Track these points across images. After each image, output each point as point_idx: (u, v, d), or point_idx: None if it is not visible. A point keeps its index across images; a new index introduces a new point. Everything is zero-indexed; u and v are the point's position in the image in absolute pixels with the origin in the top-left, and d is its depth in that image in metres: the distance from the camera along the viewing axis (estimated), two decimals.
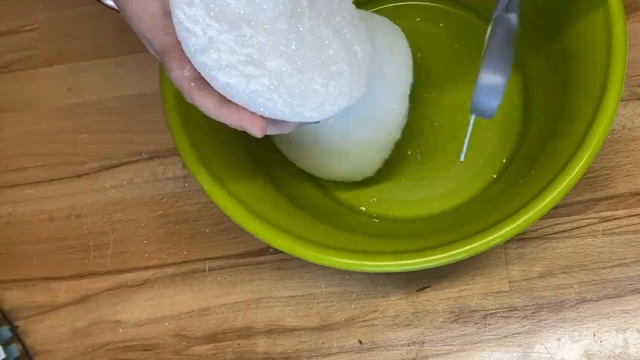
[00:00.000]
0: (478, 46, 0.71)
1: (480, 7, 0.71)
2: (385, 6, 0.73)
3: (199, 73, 0.51)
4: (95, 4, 0.77)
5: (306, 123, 0.53)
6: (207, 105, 0.51)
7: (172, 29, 0.51)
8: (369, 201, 0.68)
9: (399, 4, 0.73)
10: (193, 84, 0.51)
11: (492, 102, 0.49)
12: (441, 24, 0.72)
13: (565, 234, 0.66)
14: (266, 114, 0.51)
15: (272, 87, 0.50)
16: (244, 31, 0.50)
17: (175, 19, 0.50)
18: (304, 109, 0.52)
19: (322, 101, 0.52)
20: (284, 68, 0.51)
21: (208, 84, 0.51)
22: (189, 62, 0.51)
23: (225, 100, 0.51)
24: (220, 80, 0.50)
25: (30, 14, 0.81)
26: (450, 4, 0.72)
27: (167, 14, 0.51)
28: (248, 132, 0.51)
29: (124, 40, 0.78)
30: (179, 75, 0.51)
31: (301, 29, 0.52)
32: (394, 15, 0.73)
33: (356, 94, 0.55)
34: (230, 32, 0.50)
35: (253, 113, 0.51)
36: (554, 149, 0.59)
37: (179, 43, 0.51)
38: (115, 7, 0.55)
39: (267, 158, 0.66)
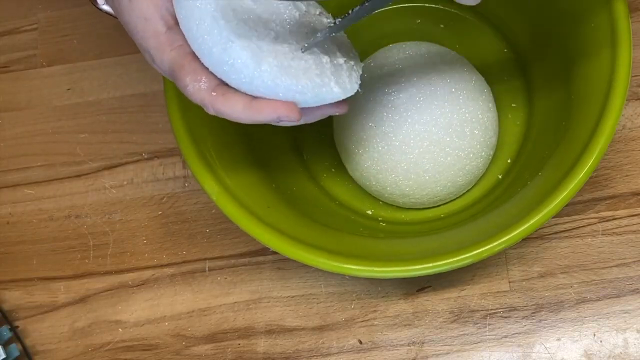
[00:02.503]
0: (480, 47, 0.72)
1: (481, 8, 0.70)
2: (386, 8, 0.73)
3: (216, 80, 0.48)
4: None
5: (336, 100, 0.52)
6: (236, 109, 0.48)
7: (179, 42, 0.49)
8: (375, 205, 0.68)
9: (400, 5, 0.73)
10: (214, 94, 0.48)
11: None
12: (442, 25, 0.72)
13: (565, 234, 0.66)
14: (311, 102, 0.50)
15: (319, 73, 0.50)
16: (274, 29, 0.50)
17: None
18: (347, 84, 0.51)
19: (350, 72, 0.52)
20: (320, 53, 0.51)
21: (229, 87, 0.48)
22: (203, 72, 0.48)
23: (252, 98, 0.48)
24: (281, 85, 0.48)
25: (30, 14, 0.81)
26: (450, 5, 0.72)
27: (171, 28, 0.49)
28: (286, 120, 0.49)
29: (124, 40, 0.77)
30: (196, 89, 0.48)
31: (305, 10, 0.53)
32: (394, 17, 0.73)
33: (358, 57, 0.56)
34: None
35: (282, 101, 0.48)
36: (559, 150, 0.58)
37: (189, 55, 0.49)
38: (112, 12, 0.54)
39: (272, 164, 0.66)
